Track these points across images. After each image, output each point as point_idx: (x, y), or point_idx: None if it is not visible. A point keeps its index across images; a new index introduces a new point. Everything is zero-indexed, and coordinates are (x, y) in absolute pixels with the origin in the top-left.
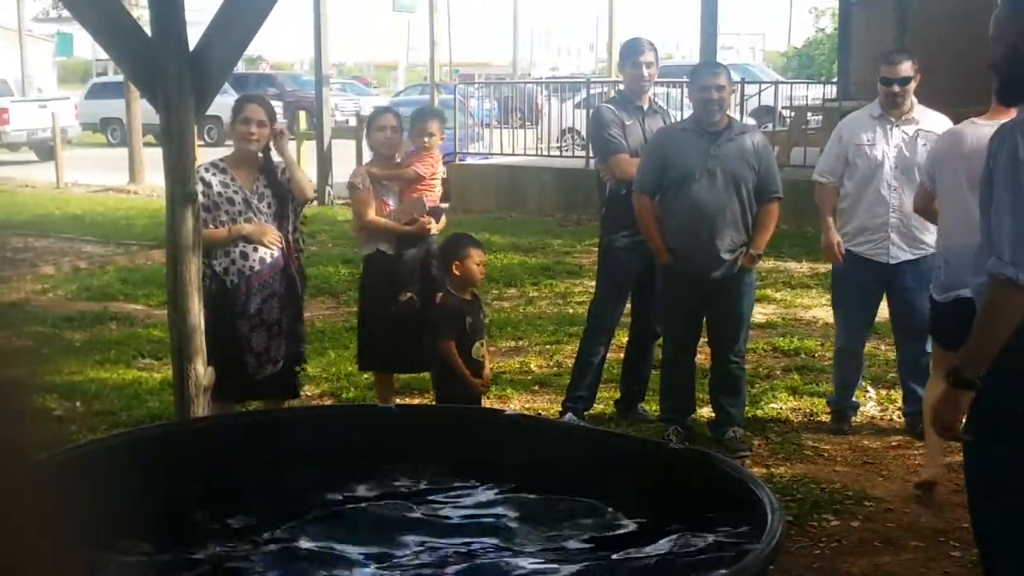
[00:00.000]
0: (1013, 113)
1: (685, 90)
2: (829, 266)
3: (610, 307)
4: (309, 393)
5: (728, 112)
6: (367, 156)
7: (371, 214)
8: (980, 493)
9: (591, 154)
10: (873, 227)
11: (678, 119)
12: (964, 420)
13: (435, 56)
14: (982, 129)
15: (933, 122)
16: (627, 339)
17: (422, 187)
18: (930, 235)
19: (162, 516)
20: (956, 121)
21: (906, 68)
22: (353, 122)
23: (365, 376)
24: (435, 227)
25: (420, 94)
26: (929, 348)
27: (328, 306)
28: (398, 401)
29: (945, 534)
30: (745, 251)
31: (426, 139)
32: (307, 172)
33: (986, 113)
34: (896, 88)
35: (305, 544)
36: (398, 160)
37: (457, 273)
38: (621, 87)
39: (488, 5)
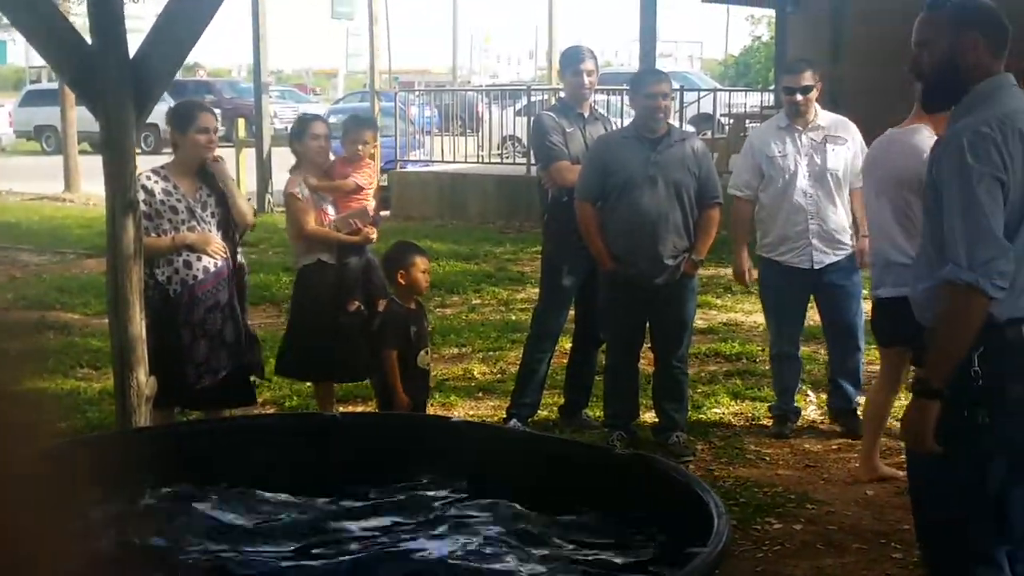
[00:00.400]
0: (928, 119)
1: (625, 98)
2: None
3: (553, 314)
4: None
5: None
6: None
7: (312, 224)
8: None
9: (533, 161)
10: (794, 235)
11: (619, 126)
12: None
13: (375, 64)
14: (893, 137)
15: (840, 127)
16: (570, 345)
17: (360, 197)
18: (847, 235)
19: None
20: (889, 127)
21: (807, 77)
22: None
23: (308, 384)
24: (375, 236)
25: (360, 101)
26: (861, 345)
27: (269, 314)
28: (341, 409)
29: (887, 536)
30: (687, 257)
31: (360, 147)
32: (246, 179)
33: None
34: (799, 97)
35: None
36: (324, 162)
37: (402, 282)
38: (562, 95)
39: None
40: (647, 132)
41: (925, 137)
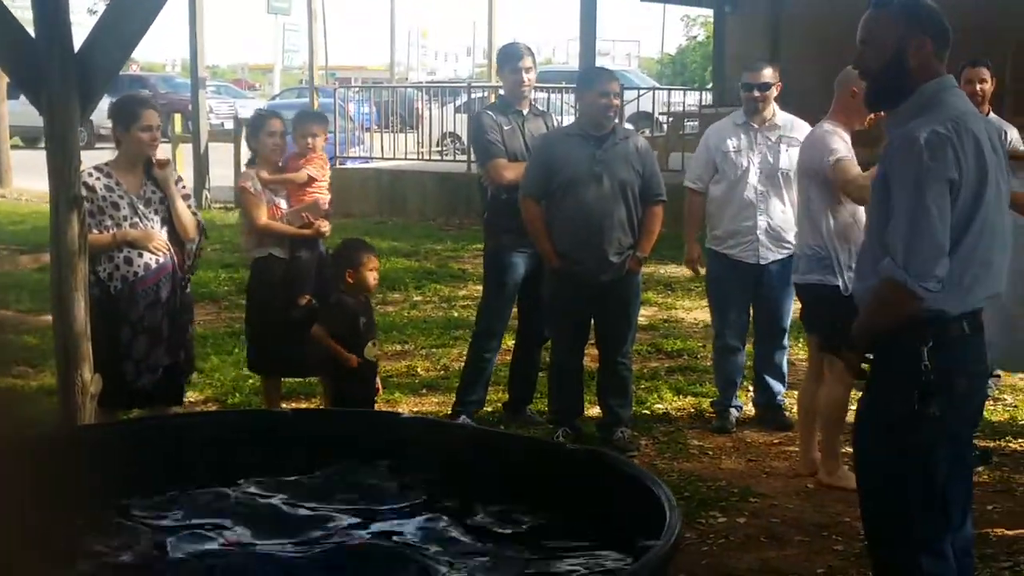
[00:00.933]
0: (841, 116)
1: (565, 95)
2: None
3: (497, 311)
4: (193, 399)
5: None
6: (245, 159)
7: (264, 218)
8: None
9: (473, 158)
10: (742, 230)
11: (560, 123)
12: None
13: (313, 59)
14: (809, 133)
15: (795, 128)
16: (514, 342)
17: (312, 189)
18: (792, 234)
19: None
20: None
21: (767, 75)
22: (229, 125)
23: (251, 381)
24: (328, 229)
25: (297, 97)
26: (787, 343)
27: (209, 311)
28: (284, 406)
29: (828, 528)
30: (632, 254)
31: (309, 141)
32: (183, 175)
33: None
34: (757, 93)
35: None
36: (279, 163)
37: (351, 280)
38: (501, 92)
39: (364, 9)
40: (592, 130)
41: (827, 132)
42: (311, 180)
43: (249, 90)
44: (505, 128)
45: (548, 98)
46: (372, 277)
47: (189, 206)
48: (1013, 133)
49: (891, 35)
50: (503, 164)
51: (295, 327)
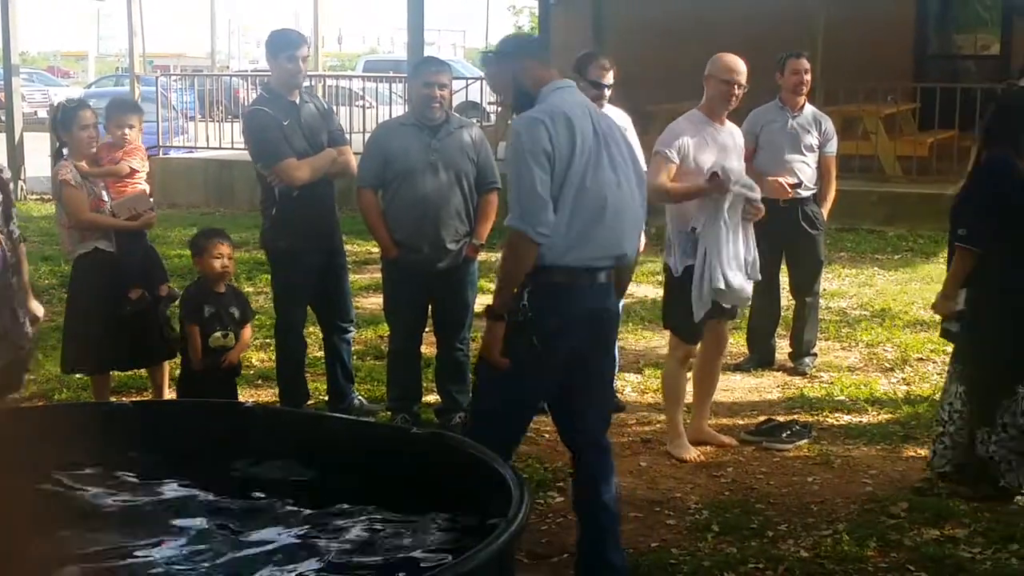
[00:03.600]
0: (706, 108)
1: (394, 85)
2: None
3: (292, 305)
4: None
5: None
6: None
7: (88, 212)
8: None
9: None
10: None
11: (361, 109)
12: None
13: (134, 46)
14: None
15: (616, 116)
16: (322, 334)
17: (132, 180)
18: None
19: None
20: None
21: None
22: (43, 114)
23: (78, 376)
24: (155, 220)
25: (115, 85)
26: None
27: None
28: (113, 399)
29: (660, 504)
30: (469, 241)
31: (125, 131)
32: None
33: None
34: (606, 93)
35: None
36: (93, 151)
37: (197, 268)
38: (268, 81)
39: None
40: (425, 120)
41: (676, 122)
42: (132, 172)
43: (63, 78)
44: (284, 123)
45: (376, 88)
46: (218, 264)
47: None
48: (828, 124)
49: (504, 76)
50: (293, 164)
51: (126, 321)
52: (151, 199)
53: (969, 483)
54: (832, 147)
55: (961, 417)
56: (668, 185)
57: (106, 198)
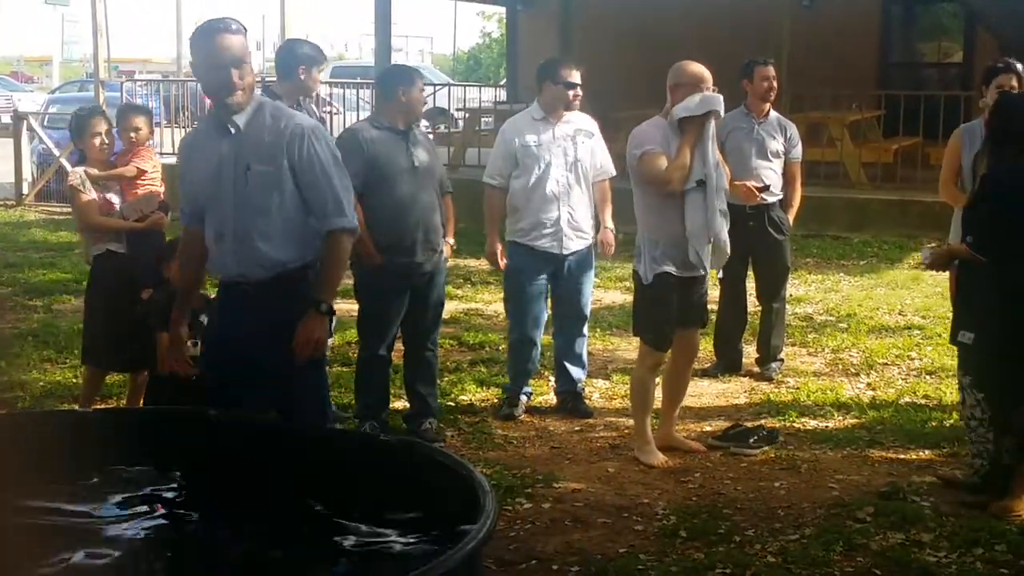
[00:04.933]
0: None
1: (360, 91)
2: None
3: None
4: None
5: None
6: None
7: (97, 215)
8: None
9: None
10: (547, 222)
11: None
12: None
13: (99, 51)
14: None
15: (584, 122)
16: None
17: (143, 182)
18: (590, 224)
19: None
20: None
21: (579, 74)
22: (6, 119)
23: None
24: (168, 220)
25: (80, 90)
26: (586, 331)
27: None
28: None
29: (628, 510)
30: (445, 241)
31: (133, 135)
32: None
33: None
34: (579, 92)
35: None
36: (113, 158)
37: (166, 275)
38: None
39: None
40: (401, 125)
41: (643, 128)
42: (141, 173)
43: (27, 83)
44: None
45: (344, 94)
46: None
47: None
48: (792, 130)
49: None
50: None
51: (137, 322)
52: (165, 199)
53: (997, 493)
54: (797, 153)
55: (981, 425)
56: (671, 164)
57: (115, 201)
